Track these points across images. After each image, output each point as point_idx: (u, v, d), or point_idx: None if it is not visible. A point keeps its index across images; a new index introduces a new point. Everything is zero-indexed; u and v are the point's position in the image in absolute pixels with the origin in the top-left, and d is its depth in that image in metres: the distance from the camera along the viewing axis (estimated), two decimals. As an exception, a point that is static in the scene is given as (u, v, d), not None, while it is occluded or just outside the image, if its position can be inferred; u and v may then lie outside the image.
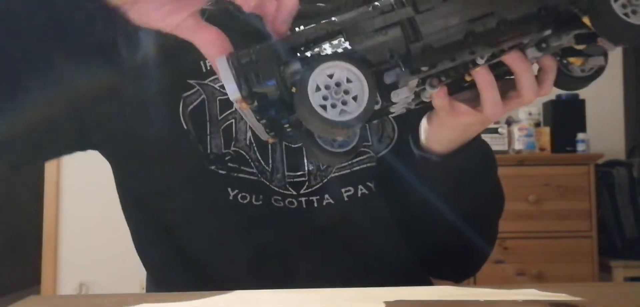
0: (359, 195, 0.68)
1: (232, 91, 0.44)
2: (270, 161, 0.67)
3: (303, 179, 0.67)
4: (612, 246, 2.49)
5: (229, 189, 0.66)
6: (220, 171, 0.66)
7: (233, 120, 0.67)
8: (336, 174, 0.68)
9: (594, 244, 2.40)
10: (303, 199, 0.67)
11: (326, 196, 0.68)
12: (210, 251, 0.68)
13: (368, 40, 0.45)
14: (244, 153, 0.67)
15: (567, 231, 2.40)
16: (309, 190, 0.67)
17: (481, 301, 0.52)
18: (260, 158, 0.67)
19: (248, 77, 0.44)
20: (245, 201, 0.66)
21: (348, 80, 0.43)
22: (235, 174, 0.66)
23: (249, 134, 0.67)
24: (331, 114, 0.43)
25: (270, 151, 0.67)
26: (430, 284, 0.74)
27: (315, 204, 0.67)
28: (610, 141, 2.81)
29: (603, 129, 2.75)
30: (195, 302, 0.52)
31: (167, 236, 0.69)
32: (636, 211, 2.48)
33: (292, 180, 0.67)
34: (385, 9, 0.45)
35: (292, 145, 0.68)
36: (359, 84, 0.43)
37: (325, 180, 0.68)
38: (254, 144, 0.67)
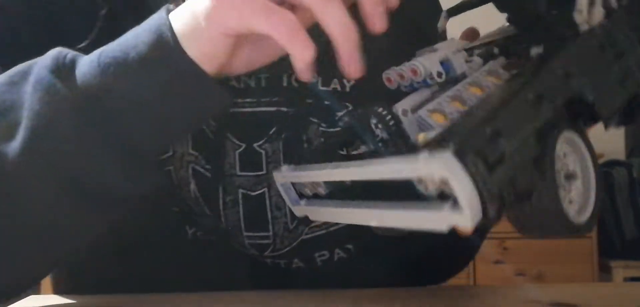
0: (336, 259, 0.57)
1: (472, 218, 0.26)
2: (223, 218, 0.54)
3: (267, 241, 0.55)
4: (612, 246, 2.49)
5: (187, 227, 0.55)
6: (173, 208, 0.54)
7: (172, 168, 0.53)
8: (308, 235, 0.56)
9: (593, 244, 2.40)
10: (268, 260, 0.57)
11: (295, 260, 0.57)
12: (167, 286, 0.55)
13: (610, 99, 0.32)
14: (191, 205, 0.54)
15: (567, 231, 2.40)
16: (274, 254, 0.56)
17: (481, 302, 0.52)
18: (209, 213, 0.54)
19: (504, 190, 0.27)
20: (206, 238, 0.56)
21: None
22: (191, 215, 0.55)
23: (193, 186, 0.53)
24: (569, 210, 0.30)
25: (221, 206, 0.54)
26: None
27: (283, 266, 0.57)
28: (610, 141, 2.80)
29: (603, 129, 2.74)
30: (193, 304, 0.52)
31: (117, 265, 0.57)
32: (636, 211, 2.48)
33: (253, 241, 0.55)
34: (617, 44, 0.32)
35: (251, 193, 0.54)
36: (585, 165, 0.32)
37: (295, 243, 0.56)
38: (201, 198, 0.54)
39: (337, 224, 0.56)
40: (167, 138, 0.43)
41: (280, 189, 0.40)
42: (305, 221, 0.54)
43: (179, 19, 0.39)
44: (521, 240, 2.37)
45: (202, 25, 0.38)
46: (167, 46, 0.39)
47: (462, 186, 0.26)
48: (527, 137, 0.28)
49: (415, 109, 0.35)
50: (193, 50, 0.39)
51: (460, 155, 0.26)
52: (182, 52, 0.38)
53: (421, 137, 0.32)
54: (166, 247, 0.55)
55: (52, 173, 0.39)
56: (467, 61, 0.37)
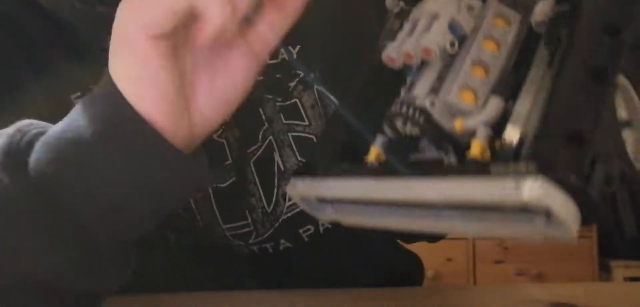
0: (322, 231, 0.57)
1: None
2: (198, 216, 0.53)
3: (248, 229, 0.55)
4: (612, 246, 2.48)
5: (169, 233, 0.54)
6: None
7: None
8: (288, 214, 0.55)
9: (594, 244, 2.40)
10: (255, 247, 0.56)
11: (282, 240, 0.56)
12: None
13: None
14: None
15: (567, 230, 2.40)
16: (259, 239, 0.56)
17: (481, 301, 0.52)
18: (183, 214, 0.53)
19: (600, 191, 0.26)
20: (187, 241, 0.55)
21: None
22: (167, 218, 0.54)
23: None
24: None
25: (193, 204, 0.52)
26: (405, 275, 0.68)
27: (271, 251, 0.56)
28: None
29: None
30: (195, 304, 0.52)
31: None
32: (636, 211, 2.48)
33: (234, 232, 0.55)
34: None
35: (221, 186, 0.53)
36: (635, 111, 0.31)
37: (277, 224, 0.55)
38: None
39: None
40: (131, 227, 0.37)
41: (298, 200, 0.36)
42: (283, 200, 0.54)
43: (113, 73, 0.35)
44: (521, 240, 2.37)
45: (123, 48, 0.34)
46: (117, 113, 0.34)
47: (566, 212, 0.25)
48: (608, 123, 0.27)
49: (438, 92, 0.33)
50: (139, 96, 0.34)
51: (562, 182, 0.25)
52: (134, 114, 0.33)
53: (459, 125, 0.31)
54: (153, 255, 0.51)
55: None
56: (468, 8, 0.34)
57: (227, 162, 0.53)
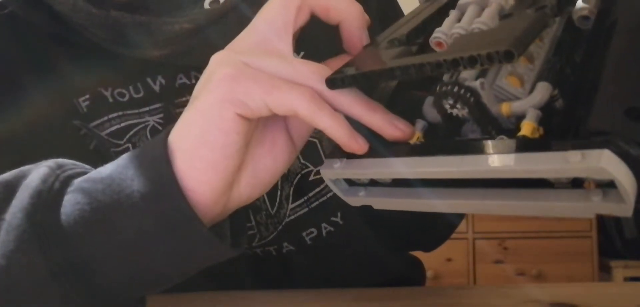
0: (325, 234, 0.57)
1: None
2: None
3: (251, 232, 0.55)
4: (612, 246, 2.49)
5: None
6: None
7: None
8: (292, 217, 0.55)
9: (594, 244, 2.40)
10: (258, 250, 0.56)
11: (285, 243, 0.56)
12: None
13: None
14: None
15: (567, 230, 2.40)
16: (262, 242, 0.56)
17: (481, 301, 0.52)
18: None
19: None
20: None
21: None
22: None
23: None
24: None
25: None
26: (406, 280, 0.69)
27: (274, 253, 0.56)
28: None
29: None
30: (195, 304, 0.52)
31: None
32: (636, 211, 2.47)
33: None
34: None
35: None
36: None
37: (280, 227, 0.55)
38: None
39: (317, 199, 0.55)
40: (149, 287, 0.38)
41: (329, 183, 0.37)
42: (286, 202, 0.54)
43: (181, 131, 0.35)
44: (521, 240, 2.37)
45: (211, 112, 0.34)
46: (167, 197, 0.34)
47: (628, 184, 0.25)
48: None
49: (485, 76, 0.33)
50: (201, 164, 0.34)
51: (626, 155, 0.25)
52: (177, 190, 0.33)
53: (505, 108, 0.32)
54: None
55: None
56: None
57: None
